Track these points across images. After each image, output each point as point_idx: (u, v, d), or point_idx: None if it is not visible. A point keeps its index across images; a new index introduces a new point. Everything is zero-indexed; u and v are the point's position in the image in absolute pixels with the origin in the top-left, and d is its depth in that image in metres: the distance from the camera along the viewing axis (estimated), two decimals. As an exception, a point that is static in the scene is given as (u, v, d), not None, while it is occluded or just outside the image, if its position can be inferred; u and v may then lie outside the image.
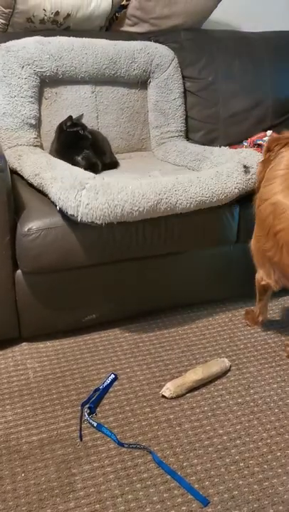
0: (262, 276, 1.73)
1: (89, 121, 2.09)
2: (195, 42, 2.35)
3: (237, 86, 2.36)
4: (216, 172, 1.75)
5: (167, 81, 2.23)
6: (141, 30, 2.30)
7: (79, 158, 1.82)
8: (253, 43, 2.47)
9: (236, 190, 1.75)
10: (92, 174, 1.63)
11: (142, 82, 2.23)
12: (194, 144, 2.29)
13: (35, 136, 2.04)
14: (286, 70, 2.50)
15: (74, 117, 1.90)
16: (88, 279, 1.77)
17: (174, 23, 2.31)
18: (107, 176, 1.74)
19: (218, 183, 1.72)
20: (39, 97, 2.05)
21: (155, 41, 2.29)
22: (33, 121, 1.99)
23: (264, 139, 2.35)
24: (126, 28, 2.32)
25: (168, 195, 1.62)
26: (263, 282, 1.74)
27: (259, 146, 2.35)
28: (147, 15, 2.26)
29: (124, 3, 2.25)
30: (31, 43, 2.01)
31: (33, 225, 1.59)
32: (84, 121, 2.07)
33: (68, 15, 2.10)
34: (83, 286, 1.78)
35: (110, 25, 2.32)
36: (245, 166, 1.77)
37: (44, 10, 2.04)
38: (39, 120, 2.04)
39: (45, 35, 2.08)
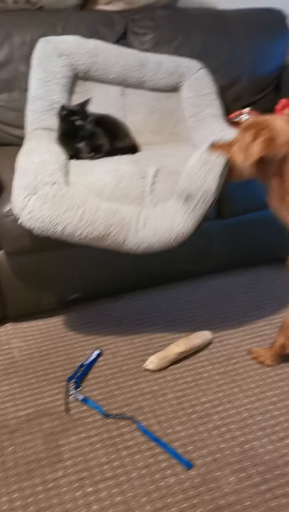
0: None
1: None
2: (171, 20, 2.34)
3: (213, 64, 2.35)
4: (162, 211, 1.53)
5: (198, 80, 2.21)
6: (116, 8, 2.29)
7: (81, 145, 1.80)
8: (230, 20, 2.47)
9: (187, 228, 1.50)
10: (55, 177, 1.51)
11: (172, 87, 2.21)
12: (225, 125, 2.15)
13: None
14: (262, 47, 2.50)
15: (81, 103, 1.85)
16: (70, 258, 1.79)
17: (149, 1, 2.30)
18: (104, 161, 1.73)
19: (163, 226, 1.50)
20: (71, 88, 2.06)
21: (131, 20, 2.28)
22: None
23: (241, 116, 2.37)
24: (101, 7, 2.30)
25: (118, 231, 1.48)
26: None
27: (236, 123, 2.37)
28: (122, -7, 2.25)
29: (98, -19, 2.24)
30: (71, 38, 2.07)
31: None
32: None
33: (41, -6, 2.08)
34: (66, 265, 1.79)
35: (85, 4, 2.30)
36: (188, 197, 1.48)
37: (17, -11, 2.03)
38: None
39: (18, 16, 2.07)
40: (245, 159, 1.36)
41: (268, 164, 1.36)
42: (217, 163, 1.45)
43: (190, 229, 1.50)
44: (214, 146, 1.47)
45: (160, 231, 1.50)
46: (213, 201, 1.47)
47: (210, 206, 1.48)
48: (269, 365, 1.62)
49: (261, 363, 1.63)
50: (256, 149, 1.31)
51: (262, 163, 1.35)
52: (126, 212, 1.52)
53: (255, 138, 1.32)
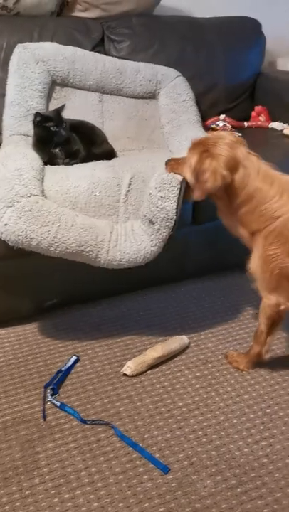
0: (280, 301, 1.48)
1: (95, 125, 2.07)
2: (147, 27, 2.37)
3: (190, 71, 2.39)
4: (132, 231, 1.59)
5: (175, 87, 2.25)
6: (92, 15, 2.30)
7: (56, 150, 1.80)
8: (205, 28, 2.51)
9: (154, 249, 1.57)
10: (31, 189, 1.51)
11: (149, 93, 2.24)
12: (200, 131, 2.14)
13: None
14: (237, 54, 2.55)
15: (56, 109, 1.85)
16: (47, 264, 1.78)
17: (125, 9, 2.32)
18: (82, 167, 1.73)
19: (132, 246, 1.57)
20: (48, 95, 2.06)
21: (107, 27, 2.29)
22: None
23: (217, 123, 2.41)
24: (77, 14, 2.31)
25: (90, 250, 1.52)
26: (283, 307, 1.48)
27: (213, 129, 2.41)
28: (98, 0, 2.27)
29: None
30: (49, 45, 2.08)
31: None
32: None
33: (18, 0, 2.08)
34: (43, 271, 1.79)
35: (61, 11, 2.31)
36: (150, 221, 1.54)
37: (-7, -5, 2.02)
38: None
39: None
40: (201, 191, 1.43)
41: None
42: (172, 186, 1.49)
43: (156, 250, 1.58)
44: (167, 166, 1.52)
45: (129, 252, 1.57)
46: (175, 223, 1.52)
47: (172, 227, 1.53)
48: (243, 371, 1.64)
49: (236, 368, 1.65)
50: (208, 185, 1.38)
51: None
52: (99, 231, 1.55)
53: (199, 159, 1.39)
